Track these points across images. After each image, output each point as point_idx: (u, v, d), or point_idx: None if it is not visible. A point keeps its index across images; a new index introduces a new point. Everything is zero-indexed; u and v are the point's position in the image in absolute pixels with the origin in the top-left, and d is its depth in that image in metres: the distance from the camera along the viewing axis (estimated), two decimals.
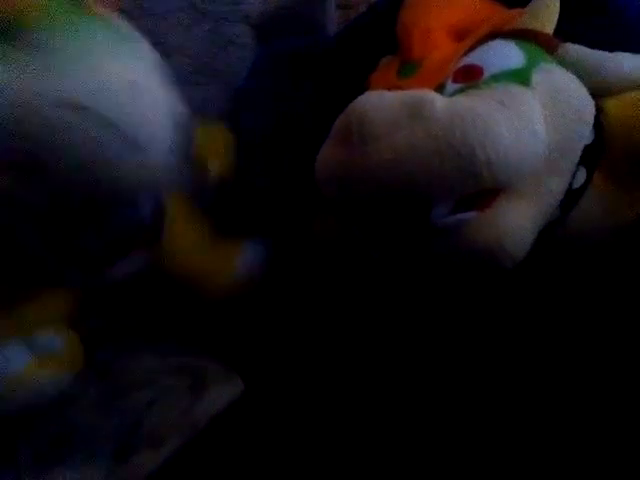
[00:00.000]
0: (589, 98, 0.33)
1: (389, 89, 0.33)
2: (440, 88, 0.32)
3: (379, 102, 0.30)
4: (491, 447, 0.34)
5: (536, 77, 0.31)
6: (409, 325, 0.39)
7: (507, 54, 0.33)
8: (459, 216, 0.30)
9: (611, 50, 0.35)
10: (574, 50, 0.34)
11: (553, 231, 0.34)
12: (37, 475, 0.37)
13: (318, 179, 0.33)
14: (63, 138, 0.31)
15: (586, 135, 0.32)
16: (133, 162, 0.32)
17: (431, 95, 0.29)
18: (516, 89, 0.30)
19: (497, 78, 0.31)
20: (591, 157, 0.33)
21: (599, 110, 0.33)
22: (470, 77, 0.32)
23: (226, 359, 0.44)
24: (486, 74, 0.32)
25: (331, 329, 0.43)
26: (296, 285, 0.46)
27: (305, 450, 0.38)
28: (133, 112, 0.32)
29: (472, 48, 0.34)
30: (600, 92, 0.34)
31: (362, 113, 0.30)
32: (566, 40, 0.35)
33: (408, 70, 0.35)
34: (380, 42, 0.40)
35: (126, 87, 0.32)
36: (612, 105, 0.34)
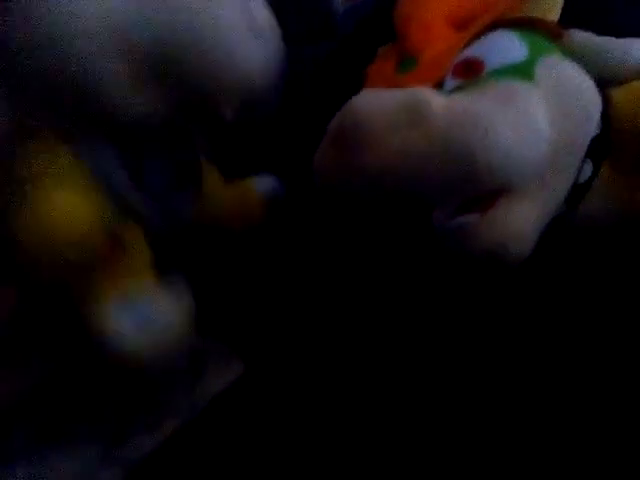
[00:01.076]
0: (595, 91, 0.31)
1: (387, 86, 0.32)
2: (440, 84, 0.31)
3: (375, 103, 0.29)
4: (493, 446, 0.34)
5: (539, 71, 0.30)
6: (412, 317, 0.39)
7: (509, 46, 0.31)
8: (461, 219, 0.29)
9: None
10: (579, 37, 0.33)
11: (560, 225, 0.33)
12: (32, 458, 0.36)
13: (315, 177, 0.33)
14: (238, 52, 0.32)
15: (592, 130, 0.31)
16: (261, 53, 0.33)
17: (429, 95, 0.28)
18: (518, 85, 0.29)
19: (498, 73, 0.30)
20: (598, 149, 0.32)
21: (606, 101, 0.32)
22: (471, 72, 0.31)
23: (226, 339, 0.43)
24: (487, 68, 0.31)
25: (332, 309, 0.43)
26: (296, 267, 0.45)
27: (305, 432, 0.38)
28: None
29: (473, 39, 0.33)
30: (607, 80, 0.33)
31: (357, 116, 0.29)
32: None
33: (407, 64, 0.33)
34: (380, 31, 0.38)
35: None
36: (619, 95, 0.33)
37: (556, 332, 0.36)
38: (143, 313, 0.33)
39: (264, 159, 0.46)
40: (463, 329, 0.37)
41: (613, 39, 0.33)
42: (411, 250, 0.33)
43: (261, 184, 0.44)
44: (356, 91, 0.34)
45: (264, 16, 0.34)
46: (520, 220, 0.30)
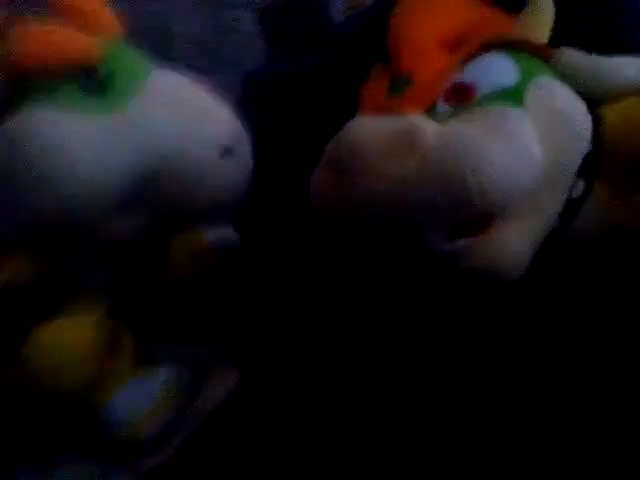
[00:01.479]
0: (585, 111, 0.32)
1: (381, 110, 0.32)
2: (432, 108, 0.32)
3: (370, 132, 0.29)
4: (491, 447, 0.35)
5: (530, 95, 0.31)
6: (409, 333, 0.39)
7: (500, 70, 0.32)
8: (456, 242, 0.30)
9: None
10: (570, 56, 0.34)
11: (553, 240, 0.33)
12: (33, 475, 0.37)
13: (312, 200, 0.33)
14: (208, 177, 0.36)
15: (583, 148, 0.32)
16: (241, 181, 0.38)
17: (422, 123, 0.29)
18: (509, 112, 0.30)
19: (490, 99, 0.31)
20: (590, 167, 0.33)
21: (597, 119, 0.33)
22: (462, 97, 0.31)
23: (222, 347, 0.44)
24: (479, 93, 0.31)
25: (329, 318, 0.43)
26: (295, 279, 0.46)
27: (305, 436, 0.38)
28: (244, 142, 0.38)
29: (465, 61, 0.33)
30: (597, 97, 0.33)
31: (353, 143, 0.29)
32: (563, 34, 0.34)
33: (399, 86, 0.34)
34: (374, 50, 0.39)
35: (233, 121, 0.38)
36: (610, 113, 0.33)
37: (551, 344, 0.36)
38: (136, 398, 0.36)
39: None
40: (458, 344, 0.37)
41: (603, 58, 0.33)
42: (407, 272, 0.34)
43: (212, 233, 0.45)
44: (351, 112, 0.35)
45: (236, 130, 0.37)
46: (514, 241, 0.30)
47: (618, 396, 0.34)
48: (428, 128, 0.28)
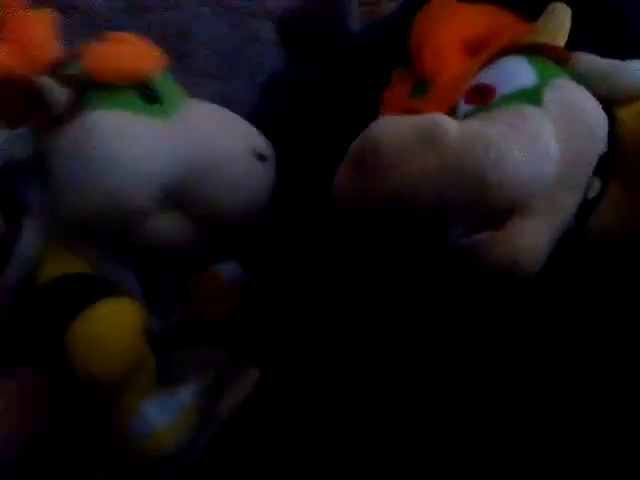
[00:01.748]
0: (601, 113, 0.33)
1: (402, 111, 0.34)
2: (453, 109, 0.33)
3: (393, 129, 0.31)
4: (493, 447, 0.35)
5: (548, 95, 0.32)
6: (425, 330, 0.40)
7: (518, 72, 0.33)
8: (474, 237, 0.31)
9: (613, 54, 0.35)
10: (586, 60, 0.35)
11: (569, 241, 0.34)
12: None
13: (335, 199, 0.34)
14: (244, 181, 0.39)
15: (600, 148, 0.33)
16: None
17: (444, 120, 0.30)
18: (528, 110, 0.31)
19: (509, 99, 0.32)
20: (605, 167, 0.34)
21: (612, 120, 0.34)
22: (482, 98, 0.32)
23: (241, 346, 0.45)
24: (498, 94, 0.32)
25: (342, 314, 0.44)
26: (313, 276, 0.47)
27: (328, 436, 0.39)
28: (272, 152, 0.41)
29: (485, 64, 0.34)
30: (612, 100, 0.34)
31: (377, 141, 0.30)
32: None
33: (421, 89, 0.35)
34: (394, 55, 0.40)
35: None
36: (625, 114, 0.34)
37: (564, 344, 0.37)
38: (157, 414, 0.37)
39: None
40: (472, 341, 0.38)
41: (618, 62, 0.34)
42: (425, 268, 0.35)
43: (227, 271, 0.48)
44: (372, 115, 0.36)
45: (265, 145, 0.41)
46: (531, 237, 0.31)
47: (631, 395, 0.35)
48: (450, 126, 0.29)
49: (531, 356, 0.37)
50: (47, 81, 0.35)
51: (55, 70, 0.37)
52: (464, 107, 0.33)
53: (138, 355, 0.35)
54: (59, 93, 0.35)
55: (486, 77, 0.33)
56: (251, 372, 0.44)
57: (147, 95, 0.37)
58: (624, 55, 0.35)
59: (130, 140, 0.35)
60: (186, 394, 0.39)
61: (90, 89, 0.36)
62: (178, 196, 0.37)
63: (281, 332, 0.46)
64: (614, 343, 0.36)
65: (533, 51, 0.34)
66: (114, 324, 0.34)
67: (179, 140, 0.36)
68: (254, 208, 0.40)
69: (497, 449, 0.35)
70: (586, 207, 0.34)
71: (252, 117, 0.43)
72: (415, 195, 0.29)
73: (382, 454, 0.38)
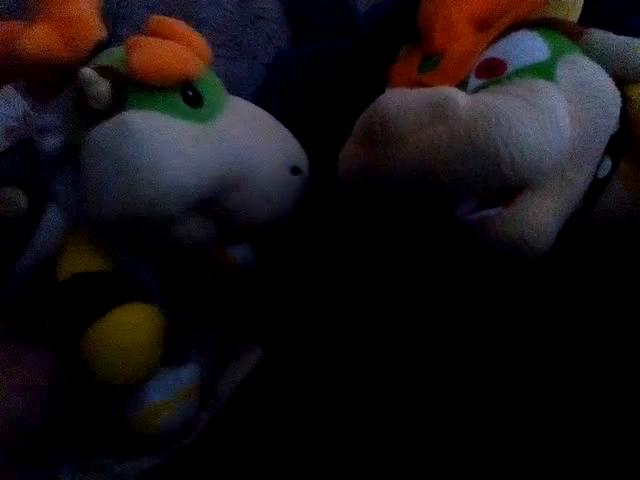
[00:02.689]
0: (615, 90, 0.32)
1: (411, 86, 0.33)
2: (463, 83, 0.32)
3: (401, 102, 0.30)
4: (493, 446, 0.35)
5: (560, 70, 0.31)
6: (428, 315, 0.40)
7: (531, 47, 0.32)
8: (483, 213, 0.30)
9: None
10: (599, 37, 0.34)
11: (578, 221, 0.34)
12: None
13: (341, 177, 0.34)
14: (277, 192, 0.38)
15: (612, 127, 0.32)
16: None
17: (454, 93, 0.29)
18: (540, 84, 0.30)
19: (520, 73, 0.31)
20: (617, 146, 0.33)
21: (624, 98, 0.33)
22: (493, 72, 0.32)
23: (243, 326, 0.45)
24: (509, 68, 0.31)
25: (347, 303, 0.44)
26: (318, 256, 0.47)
27: (330, 417, 0.39)
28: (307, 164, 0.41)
29: (496, 39, 0.34)
30: (626, 78, 0.34)
31: (385, 114, 0.30)
32: None
33: (430, 64, 0.34)
34: (401, 33, 0.39)
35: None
36: (637, 93, 0.33)
37: (572, 326, 0.36)
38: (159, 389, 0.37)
39: None
40: (478, 321, 0.38)
41: (632, 39, 0.34)
42: (433, 245, 0.34)
43: (239, 254, 0.48)
44: (379, 91, 0.35)
45: (302, 151, 0.41)
46: (541, 214, 0.31)
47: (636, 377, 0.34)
48: (460, 99, 0.29)
49: (536, 338, 0.37)
50: (92, 74, 0.34)
51: (98, 51, 0.36)
52: (474, 81, 0.32)
53: (157, 362, 0.35)
54: (101, 87, 0.34)
55: (497, 51, 0.33)
56: (253, 353, 0.44)
57: (190, 97, 0.36)
58: None
59: (168, 147, 0.33)
60: (187, 373, 0.39)
61: (131, 85, 0.35)
62: (209, 205, 0.36)
63: (285, 314, 0.46)
64: (620, 330, 0.35)
65: (545, 26, 0.33)
66: (135, 331, 0.34)
67: (217, 149, 0.35)
68: (283, 218, 0.40)
69: (499, 443, 0.35)
70: (596, 187, 0.33)
71: (258, 96, 0.42)
72: (424, 169, 0.29)
73: (382, 432, 0.37)
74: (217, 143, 0.35)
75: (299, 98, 0.48)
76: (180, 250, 0.38)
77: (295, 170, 0.39)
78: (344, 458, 0.37)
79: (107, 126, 0.34)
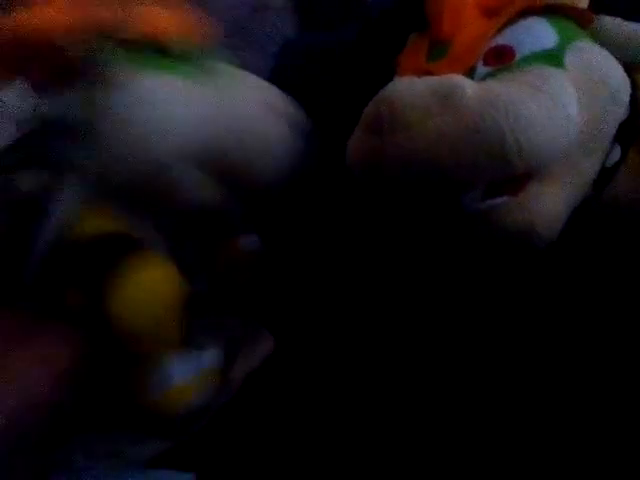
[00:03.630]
0: (624, 77, 0.32)
1: (419, 74, 0.33)
2: (471, 71, 0.32)
3: (409, 90, 0.30)
4: (493, 446, 0.35)
5: (569, 58, 0.31)
6: (435, 304, 0.40)
7: (539, 33, 0.32)
8: (490, 201, 0.30)
9: None
10: (609, 23, 0.34)
11: (587, 208, 0.34)
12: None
13: (350, 164, 0.34)
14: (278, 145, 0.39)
15: (621, 114, 0.32)
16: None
17: (461, 81, 0.29)
18: (549, 72, 0.30)
19: (529, 60, 0.31)
20: (626, 133, 0.33)
21: (634, 85, 0.33)
22: (502, 59, 0.32)
23: (255, 316, 0.45)
24: (518, 56, 0.31)
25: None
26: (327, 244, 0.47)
27: (341, 406, 0.39)
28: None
29: (504, 26, 0.33)
30: (635, 64, 0.33)
31: (393, 102, 0.30)
32: None
33: (438, 52, 0.34)
34: (409, 21, 0.39)
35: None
36: None
37: (577, 314, 0.36)
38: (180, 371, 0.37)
39: None
40: (487, 308, 0.38)
41: None
42: (440, 233, 0.34)
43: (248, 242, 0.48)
44: (387, 79, 0.35)
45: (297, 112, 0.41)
46: (549, 203, 0.31)
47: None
48: (467, 87, 0.29)
49: (544, 325, 0.37)
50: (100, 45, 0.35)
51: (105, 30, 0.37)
52: (482, 69, 0.32)
53: (178, 321, 0.35)
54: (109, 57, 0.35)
55: (505, 38, 0.32)
56: (265, 341, 0.44)
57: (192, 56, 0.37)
58: None
59: (169, 101, 0.35)
60: (209, 356, 0.39)
61: (134, 52, 0.36)
62: (211, 159, 0.37)
63: (296, 303, 0.46)
64: (625, 318, 0.35)
65: (554, 12, 0.33)
66: (160, 282, 0.34)
67: (215, 102, 0.36)
68: (285, 174, 0.40)
69: (501, 438, 0.35)
70: (605, 174, 0.33)
71: None
72: (431, 157, 0.29)
73: (386, 426, 0.38)
74: (216, 96, 0.37)
75: (306, 87, 0.48)
76: (191, 215, 0.39)
77: (294, 123, 0.39)
78: (349, 452, 0.37)
79: (119, 92, 0.35)
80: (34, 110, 0.42)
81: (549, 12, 0.33)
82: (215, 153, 0.37)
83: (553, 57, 0.31)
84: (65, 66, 0.37)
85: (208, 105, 0.36)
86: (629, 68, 0.33)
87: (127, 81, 0.35)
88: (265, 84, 0.42)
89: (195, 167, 0.36)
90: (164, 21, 0.38)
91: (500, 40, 0.33)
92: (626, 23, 0.33)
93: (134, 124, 0.34)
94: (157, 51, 0.36)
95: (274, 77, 0.50)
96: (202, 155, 0.36)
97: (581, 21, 0.33)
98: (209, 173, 0.37)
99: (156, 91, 0.35)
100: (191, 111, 0.35)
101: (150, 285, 0.34)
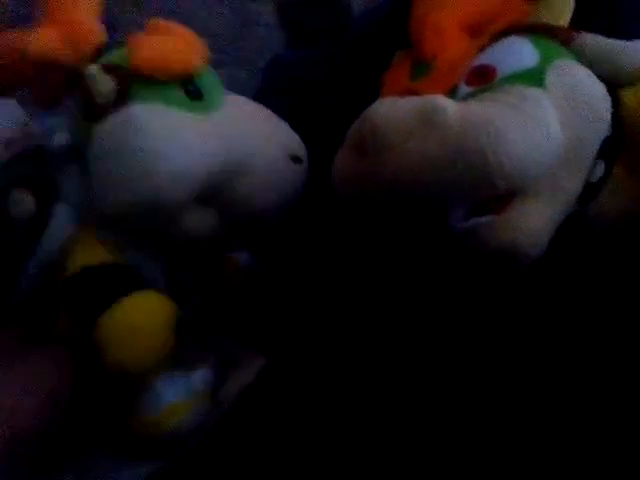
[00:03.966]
0: (605, 94, 0.32)
1: (402, 93, 0.33)
2: (453, 90, 0.32)
3: (392, 111, 0.30)
4: (493, 446, 0.35)
5: (550, 77, 0.31)
6: (423, 322, 0.40)
7: (520, 53, 0.32)
8: (474, 221, 0.31)
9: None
10: (590, 40, 0.34)
11: (572, 223, 0.34)
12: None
13: (335, 184, 0.34)
14: (278, 180, 0.39)
15: (603, 131, 0.32)
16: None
17: (443, 102, 0.30)
18: (529, 91, 0.30)
19: (510, 80, 0.31)
20: (610, 150, 0.33)
21: (617, 102, 0.33)
22: (483, 79, 0.32)
23: (245, 334, 0.45)
24: (499, 75, 0.32)
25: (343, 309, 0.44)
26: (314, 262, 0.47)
27: (333, 422, 0.39)
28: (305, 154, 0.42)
29: (487, 45, 0.34)
30: (617, 81, 0.34)
31: (375, 123, 0.30)
32: None
33: (421, 71, 0.34)
34: (394, 39, 0.39)
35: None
36: (629, 96, 0.33)
37: (566, 330, 0.36)
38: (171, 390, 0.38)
39: None
40: (474, 326, 0.38)
41: (622, 42, 0.34)
42: (425, 253, 0.34)
43: (241, 260, 0.49)
44: (372, 98, 0.35)
45: (300, 141, 0.41)
46: (533, 221, 0.31)
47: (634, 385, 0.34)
48: (449, 107, 0.29)
49: (532, 342, 0.37)
50: (94, 70, 0.35)
51: (98, 55, 0.37)
52: (464, 88, 0.32)
53: (169, 348, 0.35)
54: (105, 83, 0.35)
55: (487, 58, 0.33)
56: (255, 359, 0.44)
57: (190, 91, 0.37)
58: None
59: (172, 136, 0.35)
60: (200, 376, 0.40)
61: (134, 81, 0.36)
62: (212, 194, 0.37)
63: (286, 321, 0.46)
64: (615, 332, 0.35)
65: (535, 31, 0.34)
66: (150, 315, 0.34)
67: (219, 138, 0.36)
68: (285, 207, 0.41)
69: (498, 442, 0.35)
70: (589, 190, 0.33)
71: (255, 100, 0.42)
72: (415, 177, 0.29)
73: (381, 443, 0.37)
74: (219, 132, 0.37)
75: (293, 103, 0.48)
76: (185, 243, 0.39)
77: (295, 159, 0.40)
78: (345, 465, 0.37)
79: (113, 120, 0.35)
80: (23, 129, 0.42)
81: (531, 31, 0.34)
82: (216, 187, 0.37)
83: (534, 76, 0.31)
84: (58, 87, 0.37)
85: (209, 137, 0.36)
86: (610, 84, 0.33)
87: (126, 109, 0.35)
88: (266, 112, 0.42)
89: (194, 199, 0.36)
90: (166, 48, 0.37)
91: (483, 59, 0.33)
92: (606, 40, 0.34)
93: (129, 154, 0.34)
94: (149, 80, 0.36)
95: (262, 93, 0.50)
96: (201, 188, 0.36)
97: (562, 39, 0.34)
98: (209, 205, 0.37)
99: (152, 121, 0.35)
100: (191, 143, 0.35)
101: (141, 317, 0.34)
